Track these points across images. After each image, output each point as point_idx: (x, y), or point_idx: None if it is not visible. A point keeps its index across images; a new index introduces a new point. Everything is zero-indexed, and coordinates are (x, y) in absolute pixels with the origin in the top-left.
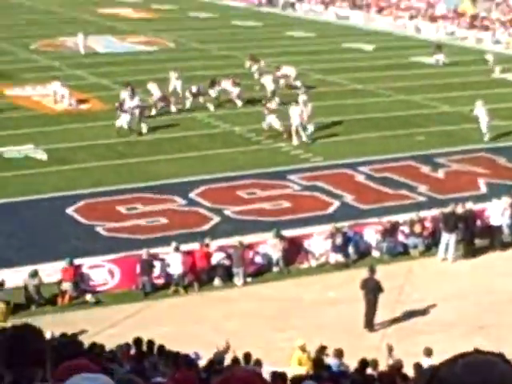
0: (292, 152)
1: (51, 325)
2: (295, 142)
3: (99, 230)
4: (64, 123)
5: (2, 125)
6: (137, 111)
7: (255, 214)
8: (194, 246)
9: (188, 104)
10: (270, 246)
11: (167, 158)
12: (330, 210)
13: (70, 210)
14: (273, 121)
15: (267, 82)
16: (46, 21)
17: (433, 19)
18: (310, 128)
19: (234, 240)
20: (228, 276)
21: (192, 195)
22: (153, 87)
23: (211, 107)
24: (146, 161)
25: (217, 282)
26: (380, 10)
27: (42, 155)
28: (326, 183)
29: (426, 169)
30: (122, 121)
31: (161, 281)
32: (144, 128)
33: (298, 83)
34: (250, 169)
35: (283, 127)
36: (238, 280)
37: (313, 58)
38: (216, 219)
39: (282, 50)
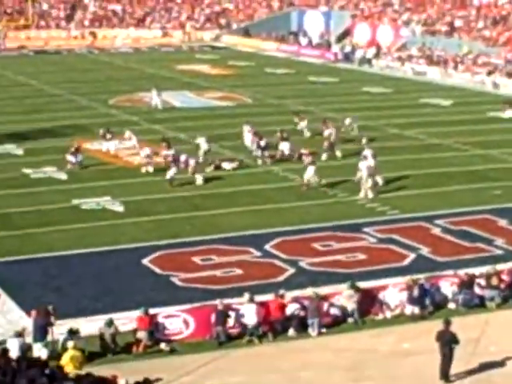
0: (368, 205)
1: (126, 373)
2: (362, 195)
3: (174, 280)
4: (140, 176)
5: (80, 177)
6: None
7: (330, 266)
8: (268, 296)
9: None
10: (345, 297)
11: (243, 210)
12: (406, 262)
13: (145, 261)
14: (311, 172)
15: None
16: (125, 77)
17: (510, 75)
18: (380, 181)
19: (308, 291)
20: (302, 327)
21: (267, 247)
22: (201, 141)
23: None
24: (222, 213)
25: (291, 332)
26: (457, 66)
27: (118, 207)
28: (402, 236)
29: (503, 222)
30: (170, 173)
31: (235, 331)
32: (199, 179)
33: (363, 139)
34: (326, 221)
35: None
36: (313, 331)
37: (389, 113)
38: (291, 270)
39: (358, 106)
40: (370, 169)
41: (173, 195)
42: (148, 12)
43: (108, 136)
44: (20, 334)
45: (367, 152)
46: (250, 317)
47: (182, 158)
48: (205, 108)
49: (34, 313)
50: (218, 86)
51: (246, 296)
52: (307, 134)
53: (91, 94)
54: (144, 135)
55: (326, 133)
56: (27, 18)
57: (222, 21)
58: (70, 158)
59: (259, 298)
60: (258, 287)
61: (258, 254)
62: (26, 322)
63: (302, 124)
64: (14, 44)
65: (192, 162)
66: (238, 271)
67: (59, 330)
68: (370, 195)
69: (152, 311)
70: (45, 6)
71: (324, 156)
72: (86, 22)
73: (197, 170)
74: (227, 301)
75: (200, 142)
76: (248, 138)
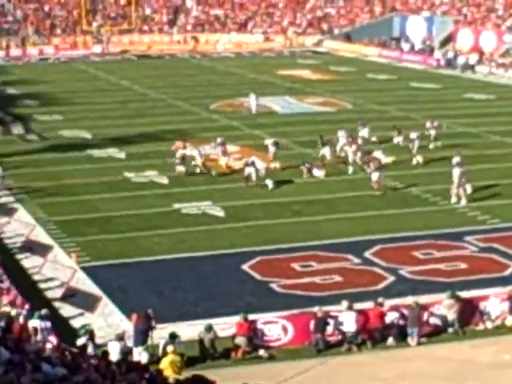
0: (469, 213)
1: (225, 378)
2: (454, 200)
3: (274, 286)
4: (241, 181)
5: (182, 182)
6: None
7: (431, 275)
8: (367, 304)
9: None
10: (445, 306)
11: (342, 216)
12: (508, 272)
13: (245, 267)
14: (376, 176)
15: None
16: (226, 82)
17: None
18: (468, 189)
19: (408, 300)
20: (402, 336)
21: (367, 254)
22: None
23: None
24: (321, 219)
25: (390, 341)
26: None
27: (219, 212)
28: (504, 245)
29: None
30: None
31: (334, 338)
32: (270, 184)
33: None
34: (426, 229)
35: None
36: (412, 340)
37: (492, 120)
38: (391, 278)
39: (460, 113)
40: (460, 177)
41: (272, 201)
42: (250, 17)
43: (219, 141)
44: (121, 338)
45: (457, 159)
46: (349, 324)
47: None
48: (305, 113)
49: (134, 317)
50: (319, 91)
51: (345, 303)
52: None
53: (193, 99)
54: (244, 140)
55: (399, 139)
56: (130, 22)
57: (324, 26)
58: (180, 168)
59: (358, 305)
60: (357, 295)
61: (358, 261)
62: (127, 326)
63: (399, 138)
64: (118, 48)
65: (260, 166)
66: (338, 278)
67: (159, 334)
68: (464, 202)
69: (251, 317)
70: (148, 11)
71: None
72: (189, 27)
73: (267, 175)
74: (326, 308)
75: (268, 144)
76: (342, 144)
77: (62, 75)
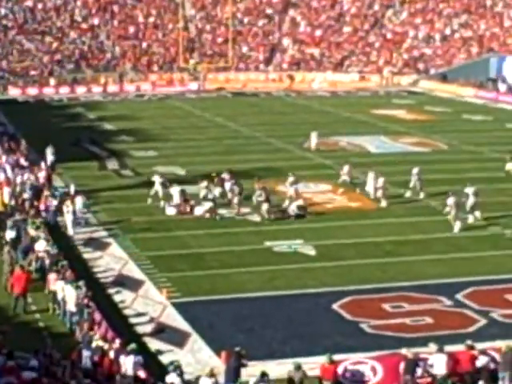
0: None
1: None
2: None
3: (364, 326)
4: (333, 220)
5: (274, 220)
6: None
7: None
8: (458, 347)
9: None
10: None
11: (435, 258)
12: None
13: (335, 306)
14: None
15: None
16: (321, 120)
17: None
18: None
19: (500, 344)
20: (493, 380)
21: (459, 296)
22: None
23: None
24: (414, 260)
25: None
26: None
27: (310, 251)
28: None
29: None
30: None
31: (424, 381)
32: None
33: None
34: None
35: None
36: None
37: None
38: (483, 321)
39: None
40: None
41: (364, 240)
42: (346, 56)
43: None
44: (212, 374)
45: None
46: (440, 367)
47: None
48: (400, 153)
49: (225, 354)
50: (414, 131)
51: (434, 346)
52: None
53: (287, 137)
54: (337, 179)
55: None
56: (227, 60)
57: (420, 66)
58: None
59: (449, 348)
60: (447, 337)
61: (449, 303)
62: (216, 362)
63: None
64: (213, 86)
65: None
66: (429, 320)
67: (248, 372)
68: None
69: (340, 357)
70: (244, 49)
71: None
72: (285, 65)
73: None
74: (416, 349)
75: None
76: (370, 185)
77: (158, 111)
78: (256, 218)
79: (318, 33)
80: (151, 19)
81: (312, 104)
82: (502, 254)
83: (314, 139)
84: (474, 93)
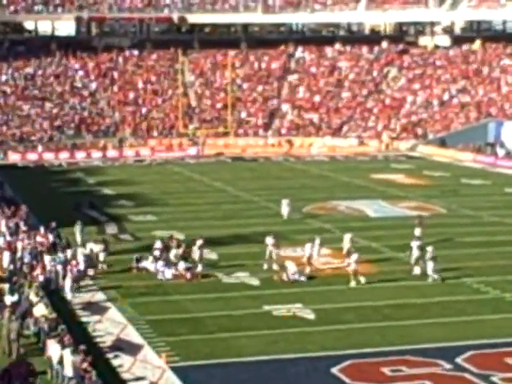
0: None
1: None
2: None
3: None
4: (331, 284)
5: (273, 284)
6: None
7: None
8: None
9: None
10: None
11: (434, 321)
12: None
13: (335, 370)
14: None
15: None
16: (319, 185)
17: None
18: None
19: None
20: None
21: (459, 360)
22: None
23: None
24: (413, 324)
25: None
26: None
27: (309, 315)
28: None
29: None
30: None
31: None
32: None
33: None
34: None
35: None
36: None
37: None
38: None
39: None
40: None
41: (363, 304)
42: (344, 121)
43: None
44: None
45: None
46: None
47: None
48: (398, 217)
49: None
50: (413, 195)
51: None
52: None
53: (288, 200)
54: (337, 243)
55: None
56: (226, 125)
57: (419, 131)
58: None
59: None
60: None
61: (449, 366)
62: None
63: None
64: (212, 151)
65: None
66: None
67: None
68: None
69: None
70: (243, 114)
71: None
72: (283, 130)
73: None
74: None
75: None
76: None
77: (157, 176)
78: (254, 281)
79: (317, 98)
80: (151, 85)
81: (311, 169)
82: (502, 317)
83: (285, 207)
84: (472, 157)
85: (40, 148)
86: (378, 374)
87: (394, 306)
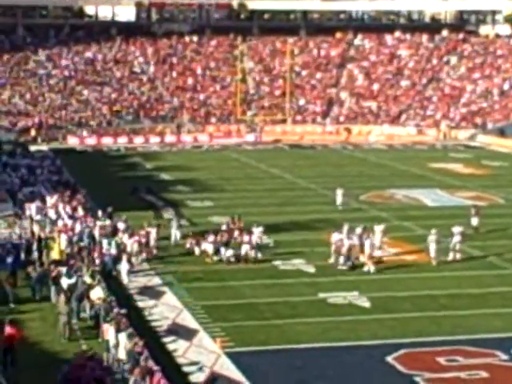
0: None
1: None
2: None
3: (418, 379)
4: (388, 273)
5: (329, 271)
6: None
7: None
8: None
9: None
10: None
11: (492, 312)
12: None
13: (389, 359)
14: None
15: None
16: (377, 173)
17: None
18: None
19: None
20: None
21: None
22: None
23: None
24: (470, 314)
25: None
26: None
27: (365, 303)
28: None
29: None
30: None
31: None
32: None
33: None
34: None
35: None
36: None
37: None
38: None
39: None
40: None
41: (419, 293)
42: (403, 109)
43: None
44: None
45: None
46: None
47: None
48: (456, 207)
49: None
50: (471, 185)
51: None
52: None
53: (343, 189)
54: (394, 232)
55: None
56: (284, 112)
57: (478, 120)
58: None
59: None
60: None
61: (505, 357)
62: None
63: None
64: (270, 138)
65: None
66: (484, 374)
67: None
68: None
69: None
70: (302, 102)
71: None
72: (342, 118)
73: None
74: None
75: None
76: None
77: (215, 162)
78: (310, 268)
79: (376, 86)
80: (209, 71)
81: (368, 157)
82: None
83: (339, 197)
84: None
85: (87, 133)
86: (433, 364)
87: (451, 295)
